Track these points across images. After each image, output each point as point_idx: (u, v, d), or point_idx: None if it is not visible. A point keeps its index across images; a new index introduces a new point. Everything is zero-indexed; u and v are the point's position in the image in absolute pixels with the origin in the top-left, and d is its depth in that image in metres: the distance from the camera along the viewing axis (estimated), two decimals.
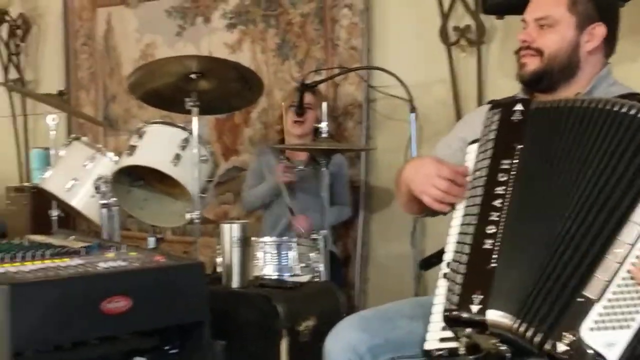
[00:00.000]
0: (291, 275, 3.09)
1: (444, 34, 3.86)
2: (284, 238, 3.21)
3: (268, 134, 4.51)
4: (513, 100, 1.89)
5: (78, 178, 3.58)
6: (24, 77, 5.65)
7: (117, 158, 3.57)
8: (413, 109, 3.69)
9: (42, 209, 4.93)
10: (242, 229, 2.78)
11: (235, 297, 2.71)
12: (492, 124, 1.86)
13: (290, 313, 2.60)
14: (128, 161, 3.33)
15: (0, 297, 1.89)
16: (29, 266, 2.10)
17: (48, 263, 2.15)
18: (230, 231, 2.77)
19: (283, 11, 4.46)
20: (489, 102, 2.08)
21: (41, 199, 4.97)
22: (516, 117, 1.83)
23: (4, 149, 5.74)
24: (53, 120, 3.89)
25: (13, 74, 5.67)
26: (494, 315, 1.65)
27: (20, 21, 5.65)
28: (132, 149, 3.34)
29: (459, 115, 3.80)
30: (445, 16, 3.85)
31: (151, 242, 3.64)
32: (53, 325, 1.98)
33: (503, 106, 1.87)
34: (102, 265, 2.17)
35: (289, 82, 4.42)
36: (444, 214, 1.95)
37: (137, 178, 3.54)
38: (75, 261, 2.19)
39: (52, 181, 3.67)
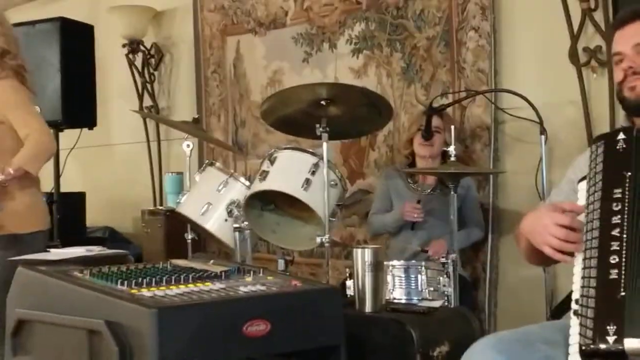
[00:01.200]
0: (420, 300, 3.10)
1: (573, 55, 3.81)
2: (413, 262, 3.23)
3: (394, 157, 4.54)
4: (614, 131, 1.91)
5: (212, 202, 3.68)
6: (157, 104, 5.89)
7: (248, 183, 3.68)
8: (543, 131, 3.65)
9: (176, 232, 5.11)
10: (374, 253, 2.81)
11: (368, 321, 2.73)
12: (597, 157, 1.87)
13: (424, 338, 2.60)
14: (260, 186, 3.42)
15: (149, 320, 1.98)
16: (174, 290, 2.19)
17: (191, 287, 2.23)
18: (363, 256, 2.80)
19: (408, 35, 4.49)
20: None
21: (174, 222, 5.16)
22: (620, 145, 1.83)
23: (139, 173, 5.97)
24: (188, 146, 4.02)
25: (147, 102, 5.91)
26: (632, 343, 1.64)
27: (154, 50, 5.89)
28: (264, 174, 3.43)
29: (590, 137, 3.73)
30: (575, 37, 3.80)
31: (281, 264, 3.72)
32: (197, 348, 2.06)
33: (605, 137, 1.89)
34: (243, 289, 2.25)
35: (415, 105, 4.45)
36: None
37: (268, 202, 3.63)
38: (217, 285, 2.27)
39: (187, 205, 3.79)
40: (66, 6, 6.01)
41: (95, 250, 3.03)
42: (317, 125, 3.35)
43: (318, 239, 3.35)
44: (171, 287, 2.22)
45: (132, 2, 5.81)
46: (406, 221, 3.93)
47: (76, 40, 5.33)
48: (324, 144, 3.35)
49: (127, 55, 5.84)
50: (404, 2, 4.51)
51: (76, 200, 5.60)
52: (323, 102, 3.38)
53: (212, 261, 2.61)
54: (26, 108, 3.47)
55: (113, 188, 6.18)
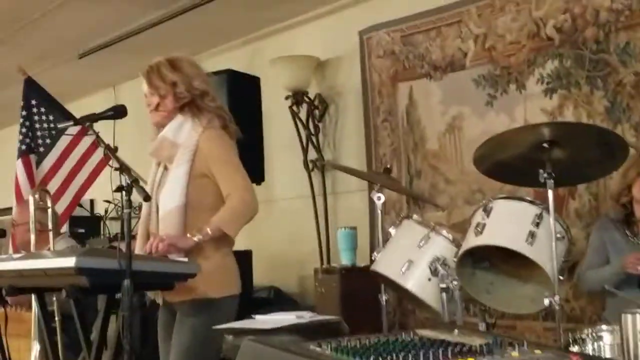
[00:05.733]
0: None
1: None
2: None
3: (599, 206, 4.09)
4: None
5: (413, 259, 3.34)
6: (323, 156, 5.62)
7: (450, 236, 3.33)
8: None
9: (353, 291, 4.81)
10: None
11: None
12: None
13: None
14: (478, 241, 3.04)
15: None
16: None
17: None
18: (635, 323, 2.37)
19: (611, 70, 4.07)
20: None
21: (351, 280, 4.86)
22: None
23: (303, 229, 5.70)
24: (379, 199, 3.70)
25: (312, 154, 5.65)
26: None
27: (317, 101, 5.65)
28: (481, 227, 3.06)
29: None
30: None
31: (481, 327, 3.36)
32: None
33: None
34: None
35: None
36: None
37: (480, 259, 3.24)
38: None
39: (384, 263, 3.47)
40: (230, 58, 5.87)
41: (306, 316, 2.72)
42: (541, 171, 2.96)
43: (546, 301, 2.95)
44: None
45: (294, 52, 5.61)
46: (627, 274, 3.46)
47: (243, 92, 5.15)
48: (550, 192, 2.96)
49: (290, 107, 5.61)
50: (605, 35, 4.10)
51: (243, 259, 5.32)
52: (545, 145, 3.00)
53: (456, 331, 2.24)
54: (231, 162, 3.23)
55: (276, 245, 5.93)
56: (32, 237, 3.61)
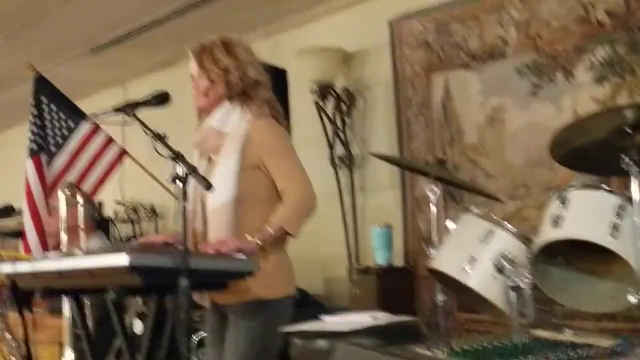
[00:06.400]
0: None
1: None
2: None
3: None
4: None
5: (475, 256, 3.10)
6: (351, 152, 5.38)
7: (515, 230, 3.10)
8: None
9: (392, 292, 4.59)
10: None
11: None
12: None
13: None
14: (559, 234, 2.80)
15: None
16: None
17: None
18: None
19: None
20: None
21: (387, 280, 4.64)
22: None
23: (328, 228, 5.45)
24: (434, 192, 3.45)
25: (339, 150, 5.41)
26: None
27: (345, 95, 5.42)
28: (559, 219, 2.82)
29: None
30: None
31: None
32: None
33: None
34: None
35: None
36: None
37: (551, 254, 3.00)
38: None
39: (443, 260, 3.22)
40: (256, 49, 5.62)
41: (380, 317, 2.48)
42: (622, 157, 2.72)
43: (633, 299, 2.71)
44: None
45: (319, 44, 5.37)
46: None
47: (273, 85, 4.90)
48: (634, 181, 2.73)
49: (316, 101, 5.37)
50: None
51: None
52: (628, 129, 2.76)
53: (567, 330, 2.01)
54: (286, 154, 2.97)
55: (300, 246, 5.65)
56: (63, 235, 3.35)
